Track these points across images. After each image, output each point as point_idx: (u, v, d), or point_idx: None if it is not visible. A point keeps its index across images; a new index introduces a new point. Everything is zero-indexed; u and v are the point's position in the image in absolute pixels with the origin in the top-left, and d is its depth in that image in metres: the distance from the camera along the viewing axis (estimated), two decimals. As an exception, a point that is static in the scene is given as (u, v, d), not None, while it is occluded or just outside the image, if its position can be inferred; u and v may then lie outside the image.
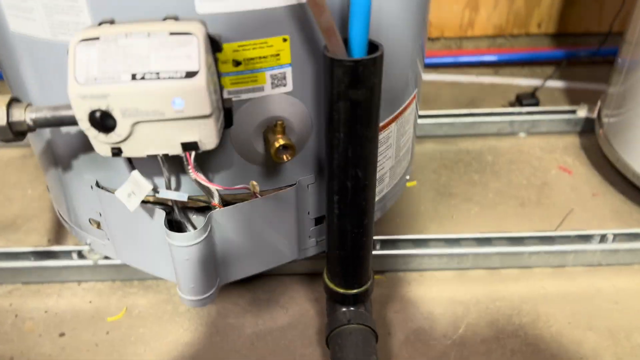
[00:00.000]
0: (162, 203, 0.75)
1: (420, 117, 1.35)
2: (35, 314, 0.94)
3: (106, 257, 0.96)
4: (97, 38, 0.53)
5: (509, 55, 1.66)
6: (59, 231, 1.11)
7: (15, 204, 1.20)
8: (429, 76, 1.63)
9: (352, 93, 0.61)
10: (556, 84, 1.57)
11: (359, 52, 0.62)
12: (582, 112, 1.34)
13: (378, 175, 0.84)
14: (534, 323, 0.91)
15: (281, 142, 0.66)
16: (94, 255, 0.95)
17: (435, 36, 1.77)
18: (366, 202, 0.71)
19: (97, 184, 0.75)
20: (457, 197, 1.17)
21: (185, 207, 0.76)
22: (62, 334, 0.91)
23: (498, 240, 1.00)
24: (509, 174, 1.24)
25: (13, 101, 0.58)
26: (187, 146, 0.58)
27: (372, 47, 0.63)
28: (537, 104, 1.43)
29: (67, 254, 0.98)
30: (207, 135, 0.58)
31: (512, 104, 1.49)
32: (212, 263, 0.75)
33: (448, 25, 1.74)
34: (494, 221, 1.11)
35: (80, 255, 0.97)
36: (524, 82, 1.59)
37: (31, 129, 0.59)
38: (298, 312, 0.94)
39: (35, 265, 0.98)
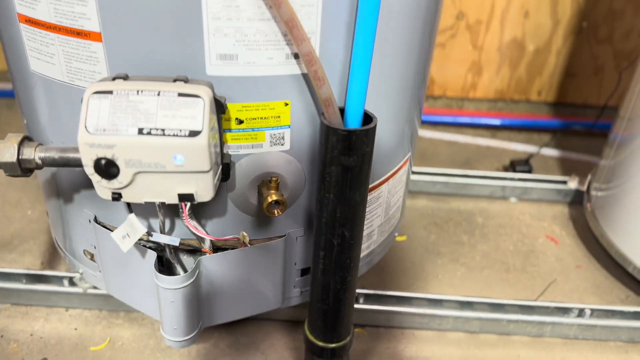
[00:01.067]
0: (155, 242, 0.77)
1: (416, 173, 1.38)
2: (21, 336, 0.96)
3: (95, 287, 0.98)
4: (110, 92, 0.57)
5: (508, 120, 1.71)
6: (52, 254, 1.14)
7: (14, 223, 1.23)
8: (428, 133, 1.68)
9: (344, 159, 0.65)
10: (551, 152, 1.61)
11: (353, 122, 0.66)
12: (572, 184, 1.38)
13: (366, 232, 0.87)
14: (507, 391, 0.92)
15: (274, 197, 0.70)
16: (84, 283, 0.97)
17: (438, 94, 1.83)
18: (350, 260, 0.74)
19: (95, 219, 0.78)
20: (445, 256, 1.20)
21: (177, 248, 0.79)
22: (44, 359, 0.92)
23: (480, 305, 1.02)
24: (497, 238, 1.27)
25: (25, 140, 0.62)
26: (184, 197, 0.61)
27: (367, 117, 0.67)
28: (530, 170, 1.47)
29: (58, 280, 1.00)
30: (203, 189, 0.61)
31: (506, 169, 1.53)
32: (196, 306, 0.77)
33: (451, 85, 1.81)
34: (478, 284, 1.13)
35: (71, 282, 0.99)
36: (520, 147, 1.64)
37: (39, 167, 0.62)
38: (277, 359, 0.95)
39: (26, 288, 1.00)
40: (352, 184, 0.68)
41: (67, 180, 0.78)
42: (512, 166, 1.49)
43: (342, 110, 0.66)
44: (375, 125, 0.65)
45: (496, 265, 1.18)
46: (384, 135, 0.78)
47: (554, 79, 1.80)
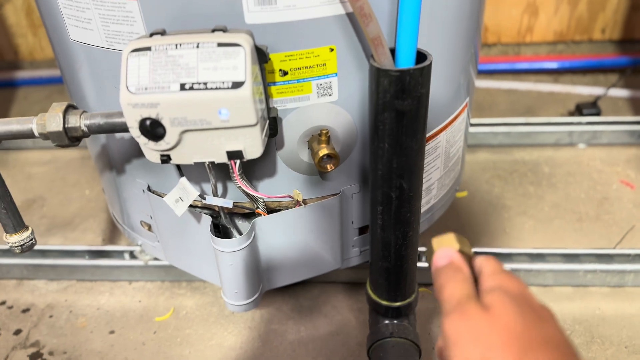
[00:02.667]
0: (209, 208, 0.76)
1: (474, 125, 1.31)
2: (88, 311, 0.98)
3: (156, 258, 0.99)
4: (149, 48, 0.54)
5: (570, 62, 1.60)
6: (112, 231, 1.16)
7: (73, 203, 1.26)
8: (484, 83, 1.59)
9: (398, 104, 0.60)
10: (620, 92, 1.49)
11: (406, 61, 0.61)
12: (647, 123, 1.27)
13: (425, 185, 0.82)
14: (587, 345, 0.87)
15: (325, 151, 0.66)
16: (145, 256, 0.98)
17: (492, 42, 1.73)
18: (411, 214, 0.70)
19: (149, 188, 0.77)
20: (511, 209, 1.13)
21: (231, 213, 0.77)
22: (111, 332, 0.94)
23: (552, 257, 0.96)
24: (567, 187, 1.19)
25: (69, 108, 0.61)
26: (232, 155, 0.59)
27: (420, 56, 0.61)
28: (598, 113, 1.37)
29: (119, 254, 1.02)
30: (251, 144, 0.58)
31: (571, 114, 1.43)
32: (255, 269, 0.75)
33: (505, 30, 1.70)
34: (548, 236, 1.06)
35: (132, 255, 1.01)
36: (585, 90, 1.52)
37: (85, 134, 0.61)
38: (340, 321, 0.93)
39: (90, 264, 1.02)
40: (408, 131, 0.63)
41: (117, 151, 0.78)
42: (579, 110, 1.39)
43: (392, 51, 0.61)
44: (431, 63, 0.60)
45: (567, 215, 1.11)
46: (439, 77, 0.73)
47: (618, 14, 1.65)
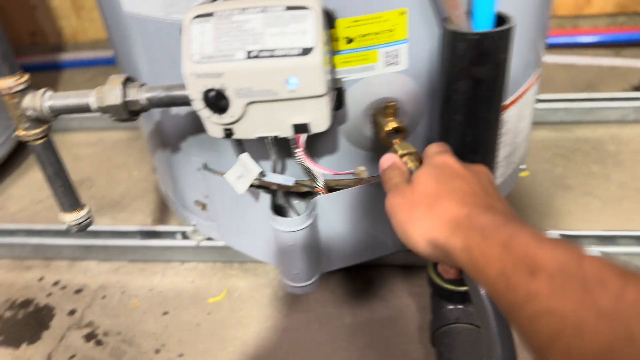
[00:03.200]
0: (264, 187, 0.73)
1: (531, 102, 1.24)
2: (141, 292, 0.97)
3: (208, 239, 0.97)
4: (211, 14, 0.51)
5: (632, 35, 1.50)
6: (162, 211, 1.14)
7: (121, 184, 1.26)
8: (539, 58, 1.51)
9: (475, 70, 0.56)
10: (689, 65, 1.40)
11: (484, 24, 0.56)
12: None
13: (492, 163, 0.78)
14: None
15: (393, 124, 0.62)
16: (197, 236, 0.96)
17: (547, 15, 1.64)
18: (483, 192, 0.65)
19: (205, 166, 0.74)
20: (575, 189, 1.07)
21: (287, 192, 0.74)
22: (165, 313, 0.93)
23: (624, 239, 0.90)
24: (635, 165, 1.11)
25: (128, 80, 0.59)
26: (298, 128, 0.55)
27: (499, 19, 0.57)
28: (667, 87, 1.28)
29: (171, 234, 1.01)
30: (318, 117, 0.55)
31: (636, 89, 1.34)
32: (315, 250, 0.72)
33: (562, 2, 1.60)
34: (617, 217, 1.00)
35: (184, 236, 0.99)
36: (651, 64, 1.43)
37: (145, 108, 0.59)
38: (398, 305, 0.90)
39: (142, 244, 1.01)
40: (485, 100, 0.58)
41: (172, 128, 0.75)
42: (646, 84, 1.30)
43: (468, 15, 0.56)
44: (513, 27, 0.55)
45: (636, 195, 1.04)
46: (514, 42, 0.67)
47: (686, -19, 1.54)
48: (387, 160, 0.54)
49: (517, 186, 1.08)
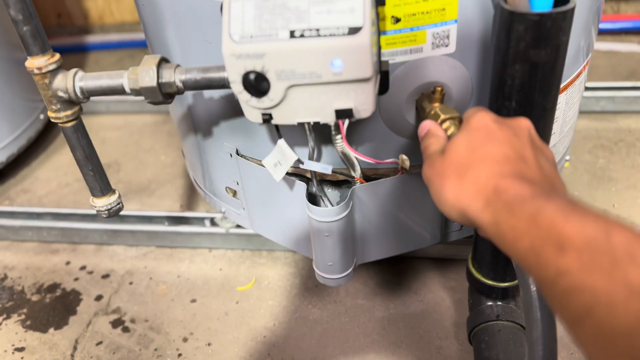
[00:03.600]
0: (297, 174, 0.70)
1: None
2: (168, 278, 0.96)
3: (237, 226, 0.95)
4: (254, -10, 0.48)
5: (680, 20, 1.43)
6: (190, 197, 1.13)
7: (149, 168, 1.24)
8: (578, 44, 1.45)
9: (533, 54, 0.52)
10: None
11: (544, 4, 0.52)
12: None
13: (538, 153, 0.74)
14: None
15: (440, 114, 0.58)
16: (226, 223, 0.94)
17: (587, -1, 1.57)
18: (533, 184, 0.61)
19: (237, 152, 0.72)
20: (619, 182, 1.02)
21: (322, 180, 0.71)
22: (193, 300, 0.91)
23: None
24: (683, 158, 1.06)
25: (162, 61, 0.56)
26: (341, 113, 0.52)
27: (558, -1, 0.52)
28: None
29: (199, 221, 0.99)
30: (363, 102, 0.51)
31: (683, 77, 1.28)
32: (351, 241, 0.70)
33: (604, -14, 1.53)
34: (665, 213, 0.95)
35: (213, 222, 0.97)
36: (699, 51, 1.36)
37: (180, 91, 0.56)
38: (432, 299, 0.87)
39: (169, 230, 0.99)
40: (542, 86, 0.54)
41: (204, 113, 0.73)
42: (695, 73, 1.24)
43: (526, -7, 0.52)
44: (575, 6, 0.51)
45: (685, 190, 0.99)
46: (570, 27, 0.63)
47: None
48: (424, 127, 0.52)
49: (557, 178, 1.04)
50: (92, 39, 1.85)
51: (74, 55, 1.82)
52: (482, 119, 0.45)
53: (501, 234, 0.36)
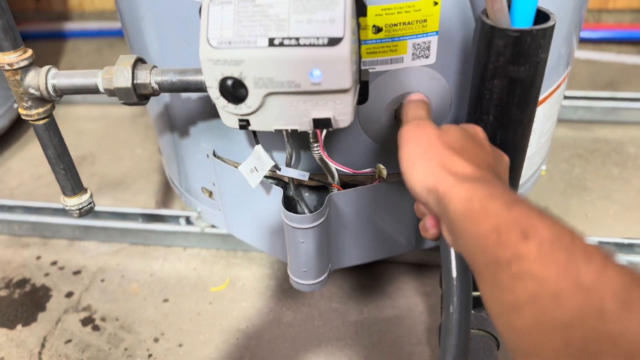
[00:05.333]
0: (275, 178, 0.70)
1: (551, 98, 1.20)
2: (141, 277, 0.95)
3: (213, 225, 0.94)
4: (233, -5, 0.47)
5: (658, 32, 1.45)
6: (166, 194, 1.11)
7: (124, 163, 1.22)
8: (559, 52, 1.46)
9: (512, 70, 0.52)
10: None
11: (524, 20, 0.52)
12: None
13: (514, 164, 0.74)
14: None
15: (418, 122, 0.58)
16: (202, 222, 0.93)
17: (569, 7, 1.58)
18: (508, 197, 0.62)
19: (214, 154, 0.71)
20: (593, 192, 1.03)
21: (299, 185, 0.70)
22: (165, 300, 0.90)
23: (643, 248, 0.87)
24: (656, 170, 1.08)
25: (138, 62, 0.55)
26: (320, 123, 0.51)
27: (538, 15, 0.52)
28: (692, 90, 1.24)
29: (174, 219, 0.97)
30: (342, 112, 0.51)
31: (660, 89, 1.30)
32: (326, 248, 0.69)
33: (586, -5, 1.55)
34: (636, 224, 0.97)
35: (188, 221, 0.96)
36: (675, 64, 1.39)
37: (155, 92, 0.55)
38: (406, 304, 0.87)
39: (143, 228, 0.98)
40: (520, 102, 0.55)
41: (181, 113, 0.72)
42: (670, 86, 1.26)
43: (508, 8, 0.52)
44: (554, 24, 0.51)
45: (657, 202, 1.01)
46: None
47: None
48: (418, 95, 0.53)
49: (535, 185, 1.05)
50: (71, 26, 1.81)
51: (52, 42, 1.78)
52: (477, 130, 0.47)
53: (470, 211, 0.37)
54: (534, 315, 0.30)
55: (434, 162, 0.41)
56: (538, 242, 0.31)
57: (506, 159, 0.48)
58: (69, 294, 0.92)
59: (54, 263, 0.99)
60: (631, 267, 0.29)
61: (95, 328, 0.86)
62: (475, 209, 0.36)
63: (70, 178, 0.65)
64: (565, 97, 1.20)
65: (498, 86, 0.53)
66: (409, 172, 0.43)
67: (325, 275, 0.71)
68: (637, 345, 0.26)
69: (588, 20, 1.56)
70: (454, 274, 0.49)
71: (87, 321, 0.88)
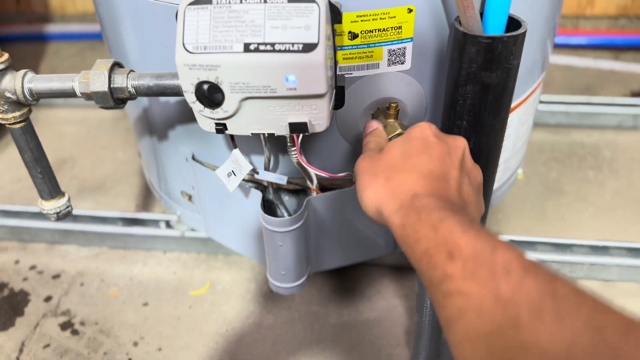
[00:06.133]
0: (255, 181, 0.70)
1: (529, 102, 1.22)
2: (121, 280, 0.94)
3: (193, 229, 0.94)
4: (209, 1, 0.47)
5: (633, 39, 1.48)
6: (146, 197, 1.11)
7: (105, 166, 1.21)
8: (537, 57, 1.49)
9: (484, 76, 0.53)
10: (688, 74, 1.38)
11: (496, 28, 0.53)
12: None
13: (490, 168, 0.75)
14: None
15: (396, 128, 0.59)
16: (182, 226, 0.93)
17: (547, 13, 1.61)
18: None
19: (193, 157, 0.71)
20: (569, 195, 1.05)
21: (279, 188, 0.71)
22: (145, 304, 0.90)
23: (617, 250, 0.89)
24: (630, 173, 1.10)
25: (115, 66, 0.55)
26: (296, 127, 0.52)
27: (511, 22, 0.54)
28: (666, 95, 1.26)
29: (154, 223, 0.97)
30: (318, 117, 0.52)
31: (634, 94, 1.33)
32: (305, 251, 0.70)
33: (565, 1, 1.58)
34: (611, 226, 0.99)
35: (168, 224, 0.96)
36: (650, 69, 1.42)
37: (132, 96, 0.55)
38: (385, 307, 0.88)
39: (123, 232, 0.98)
40: (492, 107, 0.56)
41: (160, 116, 0.72)
42: (645, 91, 1.29)
43: (480, 16, 0.54)
44: (526, 31, 0.52)
45: (631, 204, 1.03)
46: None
47: (690, -13, 1.53)
48: (370, 126, 0.56)
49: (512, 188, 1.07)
50: (52, 28, 1.80)
51: (33, 44, 1.76)
52: (423, 131, 0.47)
53: (405, 236, 0.39)
54: (462, 329, 0.32)
55: (378, 187, 0.43)
56: (462, 261, 0.33)
57: (460, 145, 0.47)
58: (48, 298, 0.92)
59: (33, 267, 0.98)
60: (553, 274, 0.31)
61: (74, 332, 0.86)
62: (408, 234, 0.38)
63: (47, 182, 0.65)
64: (543, 102, 1.22)
65: (471, 92, 0.54)
66: (360, 199, 0.45)
67: (304, 278, 0.72)
68: (547, 353, 0.28)
69: (566, 27, 1.58)
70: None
71: (65, 325, 0.87)
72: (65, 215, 0.67)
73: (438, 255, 0.35)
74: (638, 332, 0.27)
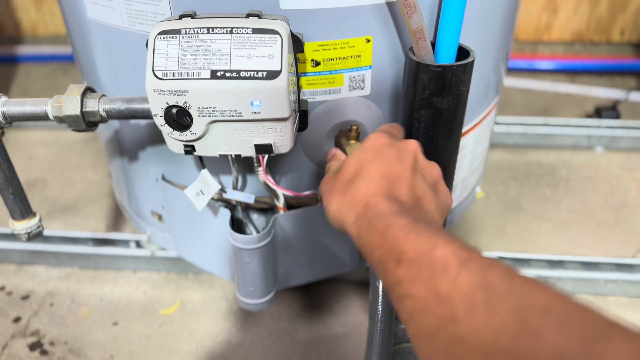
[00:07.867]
0: (224, 200, 0.73)
1: (490, 124, 1.28)
2: (91, 300, 0.95)
3: (163, 248, 0.95)
4: (178, 31, 0.51)
5: (588, 63, 1.56)
6: (117, 217, 1.12)
7: (76, 187, 1.22)
8: (498, 81, 1.55)
9: (436, 101, 0.57)
10: (638, 97, 1.46)
11: (447, 57, 0.58)
12: (668, 130, 1.24)
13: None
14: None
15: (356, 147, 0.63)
16: (152, 245, 0.94)
17: (508, 39, 1.69)
18: (439, 217, 0.67)
19: (163, 178, 0.73)
20: (527, 212, 1.10)
21: (247, 207, 0.74)
22: (115, 323, 0.91)
23: (572, 264, 0.94)
24: (584, 191, 1.16)
25: (88, 91, 0.57)
26: (261, 149, 0.55)
27: (461, 52, 0.58)
28: (617, 117, 1.34)
29: (125, 243, 0.98)
30: (282, 139, 0.55)
31: (589, 116, 1.40)
32: (272, 267, 0.72)
33: (523, 27, 1.66)
34: (566, 242, 1.04)
35: (138, 244, 0.97)
36: (603, 92, 1.49)
37: (103, 120, 0.57)
38: (353, 322, 0.90)
39: (93, 252, 0.98)
40: (445, 130, 0.60)
41: (131, 138, 0.74)
42: (598, 113, 1.36)
43: (432, 46, 0.58)
44: (474, 60, 0.57)
45: (585, 221, 1.08)
46: (474, 72, 0.69)
47: (639, 16, 1.62)
48: (331, 152, 0.61)
49: (472, 206, 1.11)
50: (24, 50, 1.80)
51: (3, 65, 1.76)
52: (375, 141, 0.49)
53: (362, 246, 0.41)
54: (414, 330, 0.34)
55: (337, 202, 0.45)
56: (407, 264, 0.35)
57: (412, 147, 0.48)
58: (17, 319, 0.92)
59: (2, 288, 0.98)
60: (486, 264, 0.32)
61: (44, 352, 0.86)
62: (364, 243, 0.40)
63: (19, 202, 0.66)
64: (502, 124, 1.28)
65: (425, 116, 0.58)
66: (327, 217, 0.48)
67: (272, 294, 0.74)
68: (480, 342, 0.29)
69: (524, 51, 1.66)
70: (380, 284, 0.54)
71: (34, 346, 0.87)
72: (36, 235, 0.69)
73: (389, 263, 0.36)
74: (558, 312, 0.29)
